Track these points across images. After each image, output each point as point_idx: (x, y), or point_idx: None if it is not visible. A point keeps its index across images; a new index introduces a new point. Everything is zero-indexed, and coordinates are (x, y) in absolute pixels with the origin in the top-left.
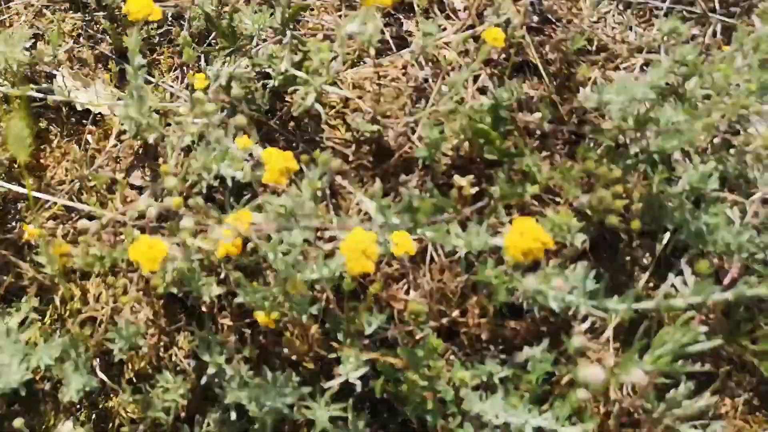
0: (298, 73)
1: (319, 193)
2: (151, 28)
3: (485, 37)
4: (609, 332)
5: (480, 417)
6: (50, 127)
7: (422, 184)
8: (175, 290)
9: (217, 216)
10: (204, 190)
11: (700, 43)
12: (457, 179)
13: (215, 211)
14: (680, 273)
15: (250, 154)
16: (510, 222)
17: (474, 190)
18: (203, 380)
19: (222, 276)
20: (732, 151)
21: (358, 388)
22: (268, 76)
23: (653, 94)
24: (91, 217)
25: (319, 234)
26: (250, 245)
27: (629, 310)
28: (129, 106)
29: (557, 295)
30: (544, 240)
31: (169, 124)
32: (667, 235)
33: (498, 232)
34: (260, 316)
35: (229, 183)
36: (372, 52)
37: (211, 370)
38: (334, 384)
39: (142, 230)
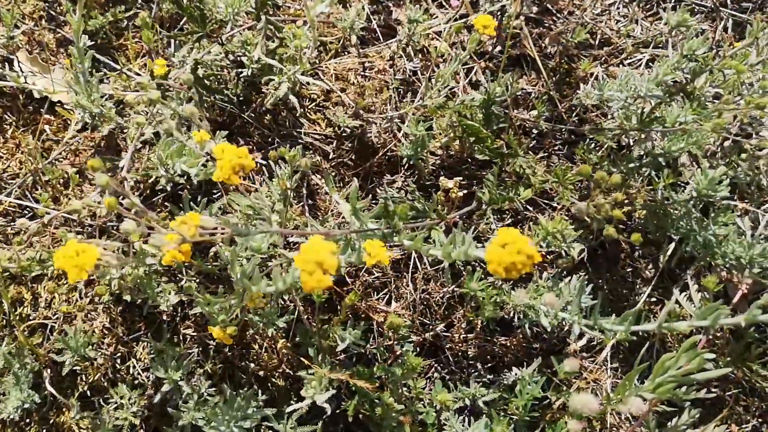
0: (272, 62)
1: (292, 194)
2: (119, 11)
3: (475, 24)
4: (607, 352)
5: None
6: (5, 115)
7: (408, 185)
8: (128, 298)
9: (156, 219)
10: (168, 188)
11: (710, 39)
12: (444, 181)
13: (175, 210)
14: (685, 287)
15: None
16: (509, 228)
17: (462, 192)
18: (159, 397)
19: (183, 282)
20: (743, 155)
21: (329, 411)
22: (242, 65)
23: (659, 91)
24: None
25: (290, 238)
26: (213, 249)
27: (627, 332)
28: (79, 93)
29: (549, 312)
30: (529, 253)
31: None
32: (672, 246)
33: (487, 239)
34: (215, 331)
35: (194, 180)
36: (354, 39)
37: (165, 388)
38: (299, 407)
39: (98, 230)
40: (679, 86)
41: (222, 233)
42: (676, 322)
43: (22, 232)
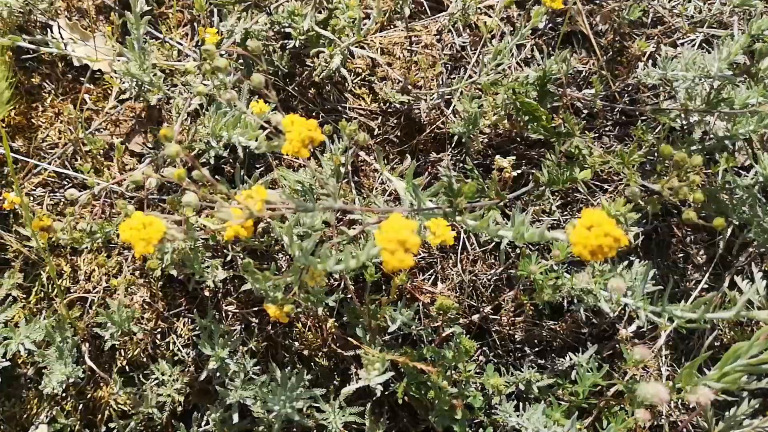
0: (324, 33)
1: (342, 169)
2: None
3: None
4: (662, 339)
5: (517, 431)
6: (44, 83)
7: (455, 164)
8: (174, 272)
9: (225, 191)
10: (212, 161)
11: None
12: (499, 160)
13: (223, 185)
14: (740, 272)
15: (267, 122)
16: (558, 209)
17: (515, 172)
18: (203, 374)
19: (228, 258)
20: None
21: (378, 393)
22: (288, 37)
23: (729, 70)
24: (83, 186)
25: (338, 215)
26: (261, 225)
27: (701, 320)
28: (129, 61)
29: (611, 297)
30: (616, 236)
31: (176, 86)
32: (729, 231)
33: (540, 220)
34: (271, 309)
35: (240, 153)
36: (406, 12)
37: (212, 365)
38: (352, 388)
39: (141, 203)
40: (741, 67)
41: (286, 208)
42: (756, 311)
43: (71, 203)
